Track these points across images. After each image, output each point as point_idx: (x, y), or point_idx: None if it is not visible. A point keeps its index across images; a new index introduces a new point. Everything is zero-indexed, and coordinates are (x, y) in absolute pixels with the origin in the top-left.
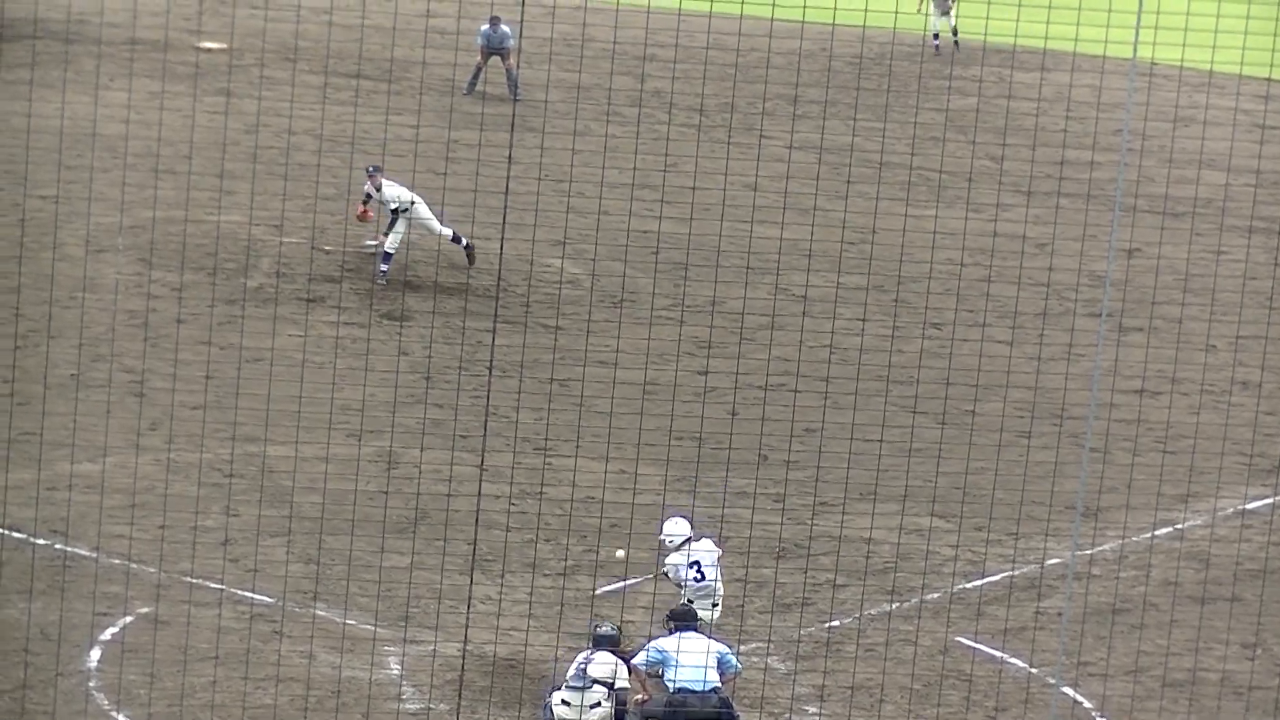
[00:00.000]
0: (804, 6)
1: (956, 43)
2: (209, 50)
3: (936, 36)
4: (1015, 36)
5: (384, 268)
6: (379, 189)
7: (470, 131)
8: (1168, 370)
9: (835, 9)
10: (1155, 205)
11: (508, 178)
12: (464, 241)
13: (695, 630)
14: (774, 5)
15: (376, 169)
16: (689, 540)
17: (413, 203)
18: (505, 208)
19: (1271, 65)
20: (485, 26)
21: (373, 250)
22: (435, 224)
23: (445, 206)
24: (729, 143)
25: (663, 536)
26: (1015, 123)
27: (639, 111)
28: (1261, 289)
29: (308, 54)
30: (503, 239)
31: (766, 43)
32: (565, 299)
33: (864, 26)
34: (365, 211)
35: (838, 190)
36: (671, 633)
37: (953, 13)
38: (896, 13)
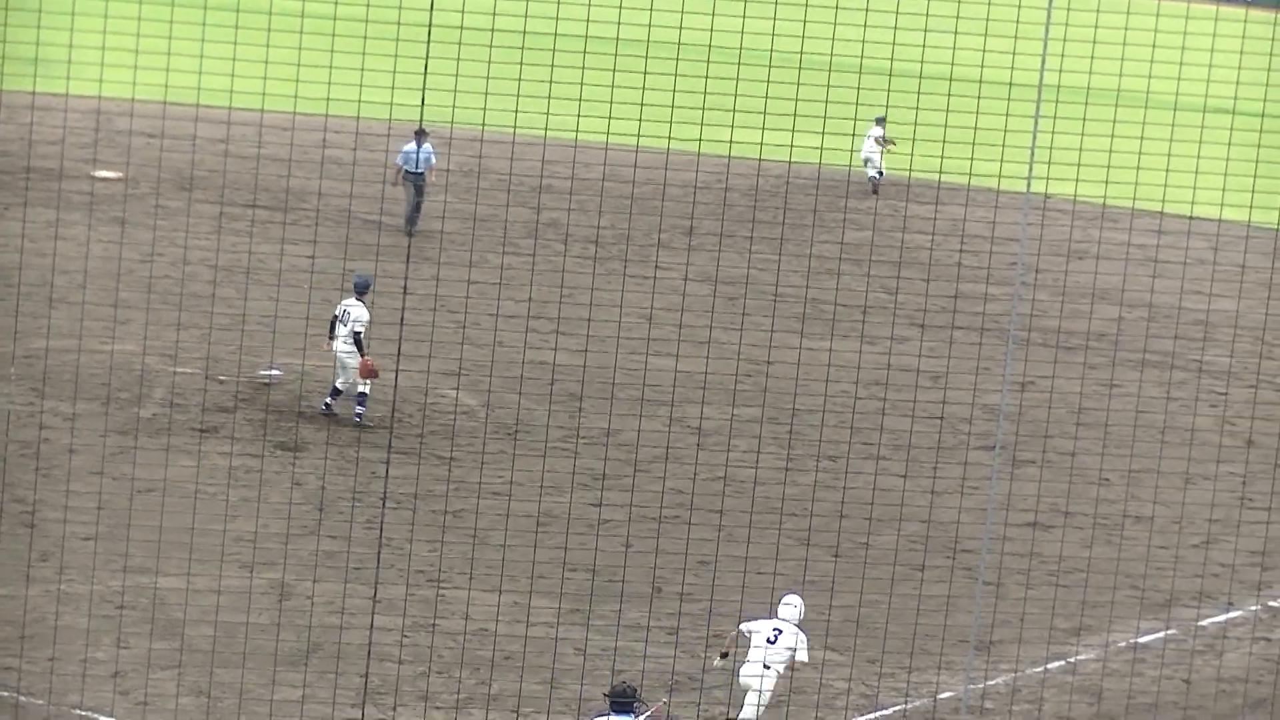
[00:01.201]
0: (699, 140)
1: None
2: (105, 179)
3: (881, 174)
4: (909, 170)
5: (360, 409)
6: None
7: (366, 262)
8: (1061, 503)
9: (731, 141)
10: (1049, 338)
11: (403, 308)
12: (327, 401)
13: (631, 713)
14: (669, 138)
15: (367, 283)
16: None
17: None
18: (400, 338)
19: (1164, 200)
20: (409, 145)
21: (267, 381)
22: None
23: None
24: (625, 274)
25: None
26: (910, 255)
27: (535, 242)
28: (1154, 422)
29: (203, 183)
30: (398, 370)
31: (663, 174)
32: (460, 430)
33: (759, 159)
34: (368, 363)
35: (733, 322)
36: (607, 713)
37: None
38: (792, 146)
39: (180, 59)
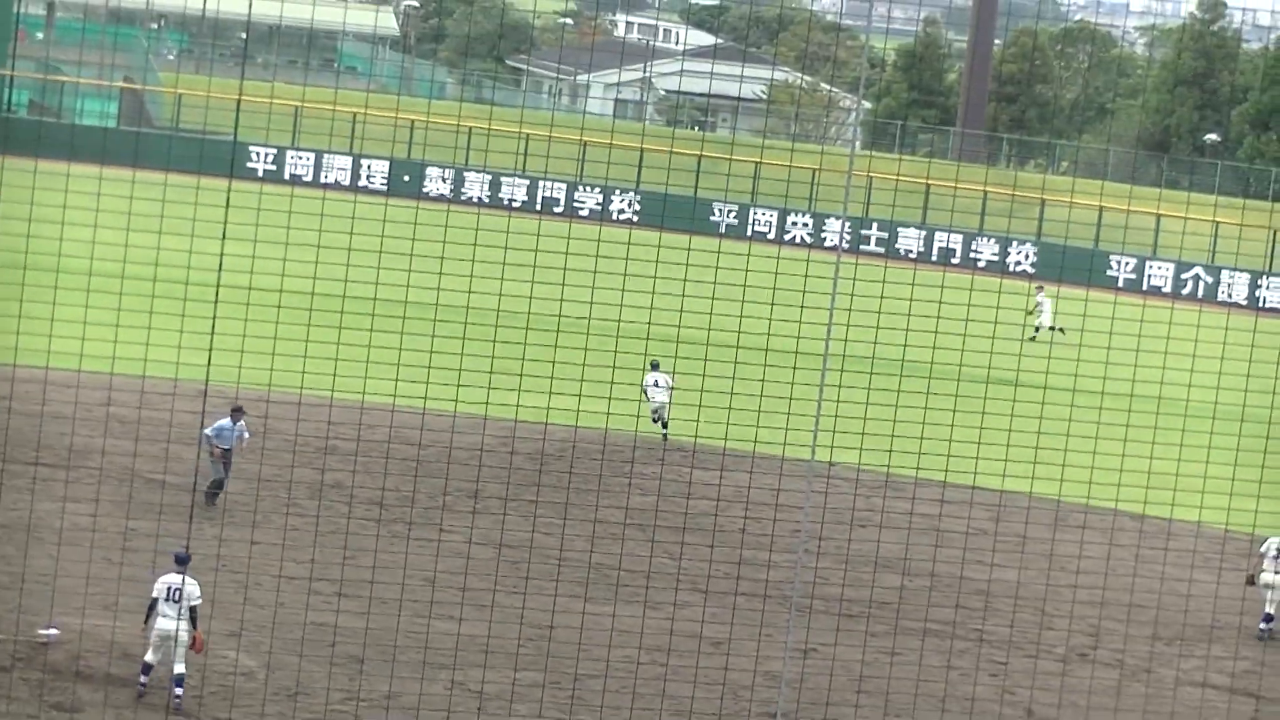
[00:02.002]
0: (486, 403)
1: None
2: None
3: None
4: (695, 436)
5: (179, 690)
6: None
7: (148, 521)
8: None
9: (517, 405)
10: (831, 606)
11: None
12: (143, 681)
13: None
14: (456, 400)
15: (189, 556)
16: None
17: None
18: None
19: (947, 470)
20: (224, 420)
21: (45, 640)
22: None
23: (121, 597)
24: (409, 536)
25: None
26: (694, 521)
27: (319, 504)
28: (934, 691)
29: None
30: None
31: (449, 437)
32: (239, 691)
33: (545, 423)
34: (200, 637)
35: (516, 585)
36: None
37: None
38: (579, 410)
39: None
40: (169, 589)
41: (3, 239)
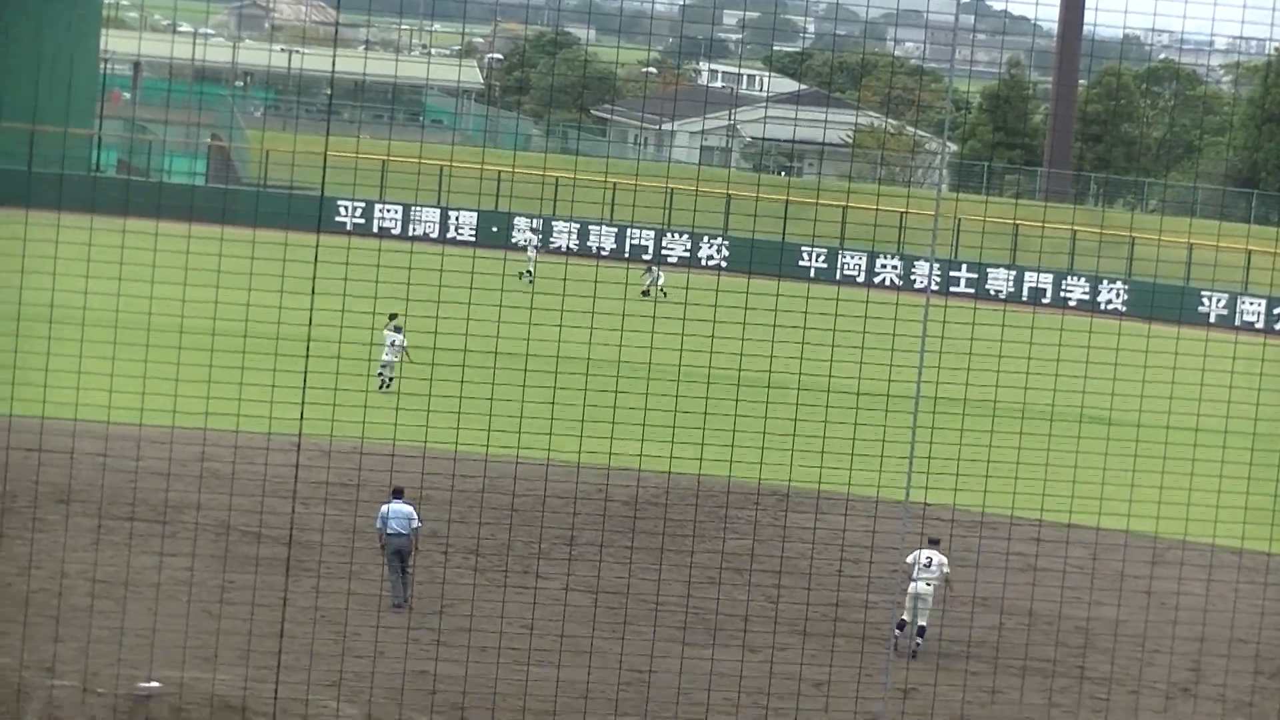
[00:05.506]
0: (579, 451)
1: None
2: None
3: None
4: (789, 480)
5: None
6: None
7: (245, 574)
8: None
9: (610, 453)
10: (930, 646)
11: (283, 620)
12: None
13: None
14: (549, 450)
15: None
16: None
17: None
18: (280, 651)
19: (1042, 509)
20: (388, 505)
21: (145, 694)
22: None
23: (220, 649)
24: (505, 585)
25: None
26: (790, 564)
27: (414, 554)
28: None
29: (81, 496)
30: (278, 682)
31: (543, 485)
32: None
33: (639, 470)
34: None
35: (614, 630)
36: None
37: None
38: (671, 457)
39: (57, 375)
40: None
41: (96, 298)
